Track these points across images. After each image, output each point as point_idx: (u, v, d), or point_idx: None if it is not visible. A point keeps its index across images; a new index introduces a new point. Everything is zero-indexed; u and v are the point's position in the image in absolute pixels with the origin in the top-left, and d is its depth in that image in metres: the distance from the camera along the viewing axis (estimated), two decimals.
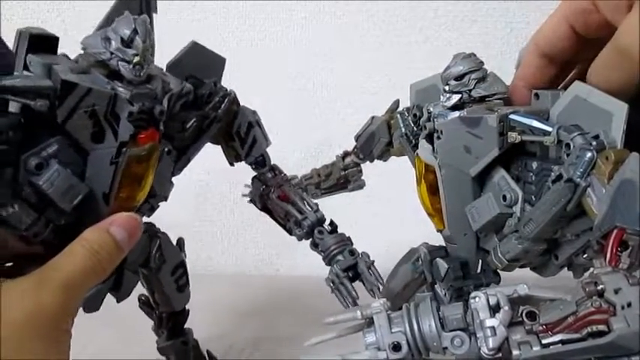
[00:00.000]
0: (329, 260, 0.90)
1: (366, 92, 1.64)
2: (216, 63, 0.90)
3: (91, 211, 0.73)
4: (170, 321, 1.00)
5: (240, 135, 0.94)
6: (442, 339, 0.65)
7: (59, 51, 0.72)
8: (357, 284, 0.90)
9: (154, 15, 0.81)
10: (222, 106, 0.88)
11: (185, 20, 1.62)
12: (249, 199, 1.09)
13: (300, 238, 0.94)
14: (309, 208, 0.94)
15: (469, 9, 1.60)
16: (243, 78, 1.61)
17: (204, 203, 1.71)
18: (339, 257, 0.89)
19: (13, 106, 0.64)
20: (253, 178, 1.00)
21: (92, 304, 0.82)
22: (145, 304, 1.01)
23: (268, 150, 0.99)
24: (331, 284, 0.89)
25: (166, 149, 0.83)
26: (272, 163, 0.99)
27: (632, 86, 0.66)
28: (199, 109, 0.86)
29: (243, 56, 1.64)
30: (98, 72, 0.70)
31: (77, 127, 0.67)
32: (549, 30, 0.75)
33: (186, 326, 1.03)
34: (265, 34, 1.64)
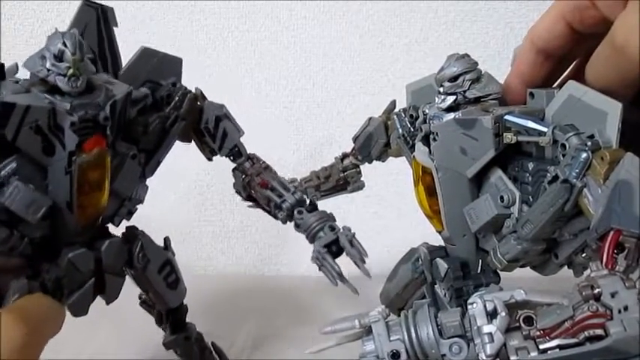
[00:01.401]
0: (311, 238, 0.91)
1: (366, 92, 1.64)
2: (171, 64, 0.92)
3: (60, 221, 0.78)
4: (169, 318, 1.02)
5: (209, 130, 0.95)
6: (440, 346, 0.65)
7: None
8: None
9: (115, 28, 0.86)
10: (183, 105, 0.90)
11: (185, 20, 1.62)
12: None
13: (283, 221, 0.95)
14: (288, 191, 0.95)
15: (469, 9, 1.59)
16: (244, 78, 1.63)
17: (204, 203, 1.71)
18: (320, 234, 0.90)
19: None
20: (233, 170, 1.01)
21: (79, 308, 0.83)
22: (144, 302, 1.03)
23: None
24: (317, 262, 0.89)
25: (131, 153, 0.85)
26: (249, 152, 1.00)
27: (631, 83, 0.65)
28: (160, 110, 0.89)
29: (243, 56, 1.64)
30: (39, 89, 0.73)
31: (27, 143, 0.71)
32: (545, 27, 0.74)
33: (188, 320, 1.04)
34: (265, 34, 1.64)
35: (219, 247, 1.73)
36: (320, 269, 0.89)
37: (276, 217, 0.96)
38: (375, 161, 1.02)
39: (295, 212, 0.93)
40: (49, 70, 0.72)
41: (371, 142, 0.98)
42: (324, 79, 1.65)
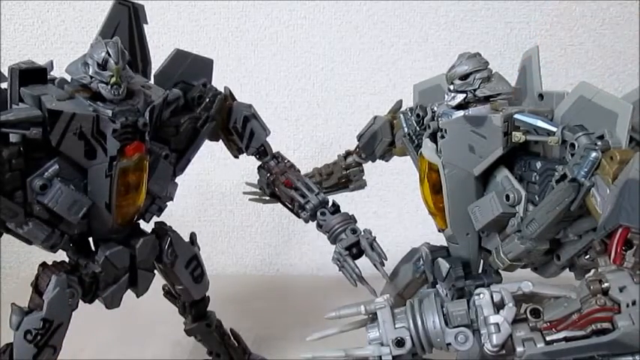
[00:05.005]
0: (333, 239, 0.93)
1: (367, 92, 1.64)
2: (202, 65, 0.93)
3: (98, 220, 0.81)
4: (192, 308, 1.05)
5: (238, 129, 0.98)
6: (446, 335, 0.66)
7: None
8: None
9: (145, 25, 0.87)
10: (214, 105, 0.92)
11: (185, 20, 1.62)
12: (249, 197, 1.11)
13: (306, 221, 0.97)
14: (311, 192, 0.96)
15: (469, 9, 1.60)
16: (244, 78, 1.63)
17: (204, 203, 1.71)
18: (342, 236, 0.92)
19: (14, 137, 0.71)
20: (258, 168, 1.03)
21: (113, 301, 0.88)
22: (168, 293, 1.06)
23: (271, 145, 1.02)
24: (337, 263, 0.91)
25: (164, 154, 0.88)
26: (274, 151, 1.02)
27: None
28: (191, 111, 0.91)
29: (244, 56, 1.64)
30: (82, 95, 0.75)
31: (70, 148, 0.74)
32: None
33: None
34: (265, 34, 1.64)
35: (219, 247, 1.73)
36: (340, 270, 0.91)
37: (298, 215, 0.98)
38: (378, 160, 1.03)
39: (318, 213, 0.95)
40: (92, 77, 0.74)
41: (375, 140, 0.99)
42: (324, 79, 1.65)
